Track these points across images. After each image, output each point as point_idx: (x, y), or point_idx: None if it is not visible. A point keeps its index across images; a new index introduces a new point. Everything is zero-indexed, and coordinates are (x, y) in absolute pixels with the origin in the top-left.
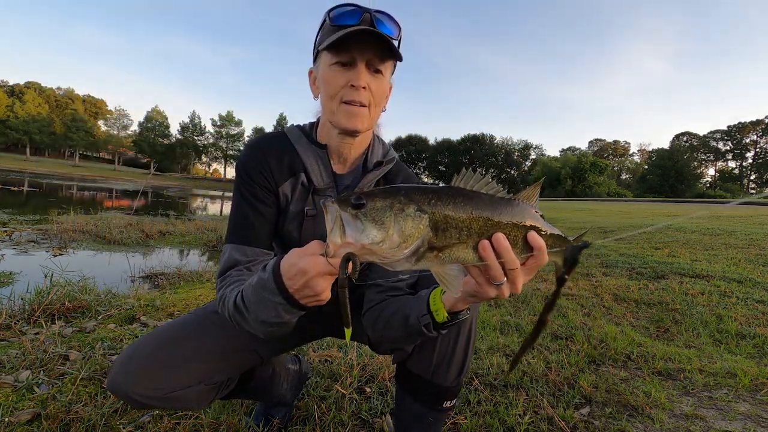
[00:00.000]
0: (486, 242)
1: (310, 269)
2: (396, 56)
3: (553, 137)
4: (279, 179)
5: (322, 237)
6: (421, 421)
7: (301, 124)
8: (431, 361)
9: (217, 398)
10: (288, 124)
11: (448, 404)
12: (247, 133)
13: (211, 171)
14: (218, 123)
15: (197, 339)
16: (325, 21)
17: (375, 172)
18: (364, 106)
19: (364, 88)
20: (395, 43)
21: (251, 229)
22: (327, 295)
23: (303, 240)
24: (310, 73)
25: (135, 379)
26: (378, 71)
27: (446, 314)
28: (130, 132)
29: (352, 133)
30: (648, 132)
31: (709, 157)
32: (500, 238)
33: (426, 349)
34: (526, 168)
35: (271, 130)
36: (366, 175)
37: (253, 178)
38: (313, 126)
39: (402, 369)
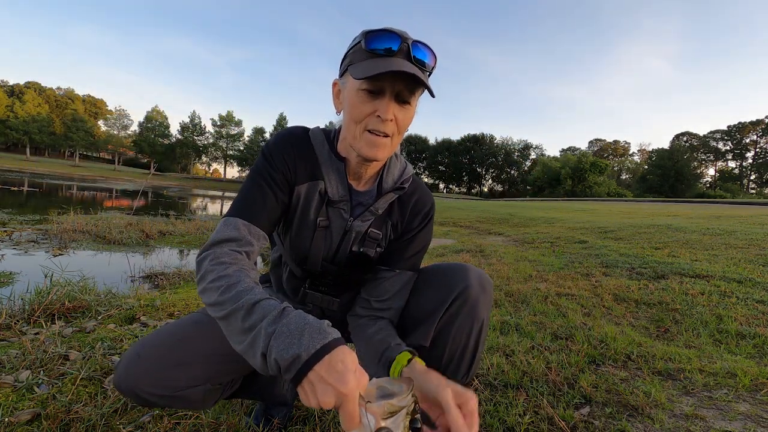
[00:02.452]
0: None
1: (347, 389)
2: (427, 90)
3: (553, 137)
4: (298, 178)
5: (329, 250)
6: None
7: (325, 127)
8: (443, 356)
9: (221, 398)
10: (289, 124)
11: None
12: (247, 133)
13: (211, 171)
14: (218, 123)
15: (206, 339)
16: (359, 42)
17: (391, 194)
18: (387, 136)
19: (391, 120)
20: (428, 74)
21: (261, 210)
22: (326, 406)
23: (313, 249)
24: (335, 85)
25: (144, 377)
26: (406, 102)
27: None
28: (130, 132)
29: (372, 161)
30: (648, 132)
31: (709, 157)
32: None
33: (438, 345)
34: (526, 168)
35: (291, 125)
36: (381, 196)
37: (277, 165)
38: (336, 136)
39: None
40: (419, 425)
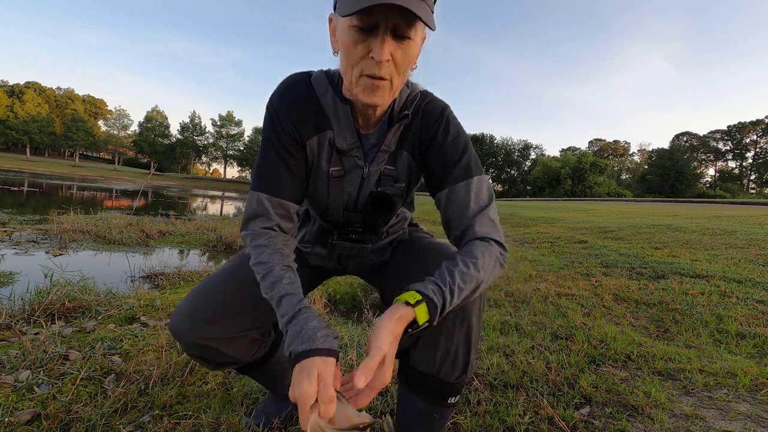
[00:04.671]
0: None
1: (298, 392)
2: (427, 22)
3: (553, 137)
4: (307, 133)
5: (348, 198)
6: (427, 418)
7: (329, 69)
8: (435, 358)
9: (258, 352)
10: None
11: (452, 400)
12: (247, 133)
13: (211, 171)
14: (218, 123)
15: (249, 285)
16: None
17: (396, 125)
18: (385, 80)
19: (387, 60)
20: (428, 5)
21: (280, 180)
22: (292, 399)
23: (331, 201)
24: (330, 20)
25: (200, 323)
26: (405, 37)
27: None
28: (130, 132)
29: (373, 107)
30: (648, 132)
31: (709, 157)
32: None
33: (429, 347)
34: (526, 168)
35: (293, 73)
36: (390, 129)
37: (284, 127)
38: (341, 76)
39: (405, 366)
40: None
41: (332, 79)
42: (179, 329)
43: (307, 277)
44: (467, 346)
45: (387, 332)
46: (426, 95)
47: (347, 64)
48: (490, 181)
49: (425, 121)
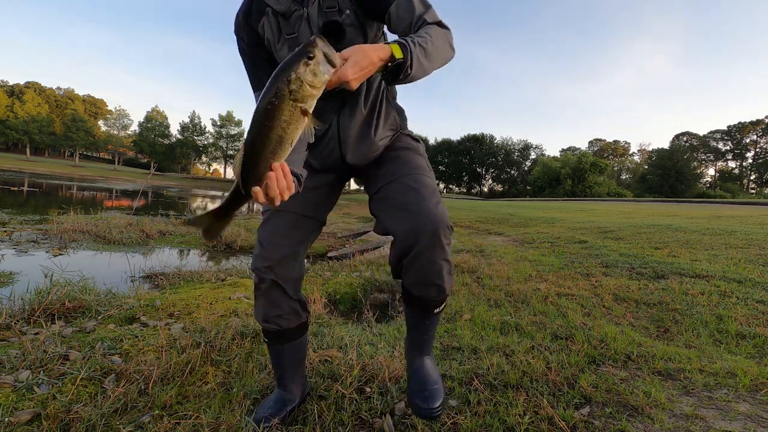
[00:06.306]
0: None
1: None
2: None
3: (553, 137)
4: (254, 23)
5: None
6: (420, 323)
7: None
8: (417, 281)
9: (301, 318)
10: None
11: (437, 310)
12: None
13: (211, 171)
14: (218, 123)
15: (291, 215)
16: None
17: None
18: None
19: None
20: None
21: (265, 74)
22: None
23: None
24: None
25: (273, 250)
26: None
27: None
28: (130, 132)
29: None
30: (648, 132)
31: (709, 157)
32: None
33: (411, 272)
34: (526, 168)
35: None
36: None
37: (240, 33)
38: None
39: (402, 289)
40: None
41: None
42: (259, 262)
43: (324, 193)
44: (447, 266)
45: (362, 46)
46: None
47: None
48: (490, 180)
49: None
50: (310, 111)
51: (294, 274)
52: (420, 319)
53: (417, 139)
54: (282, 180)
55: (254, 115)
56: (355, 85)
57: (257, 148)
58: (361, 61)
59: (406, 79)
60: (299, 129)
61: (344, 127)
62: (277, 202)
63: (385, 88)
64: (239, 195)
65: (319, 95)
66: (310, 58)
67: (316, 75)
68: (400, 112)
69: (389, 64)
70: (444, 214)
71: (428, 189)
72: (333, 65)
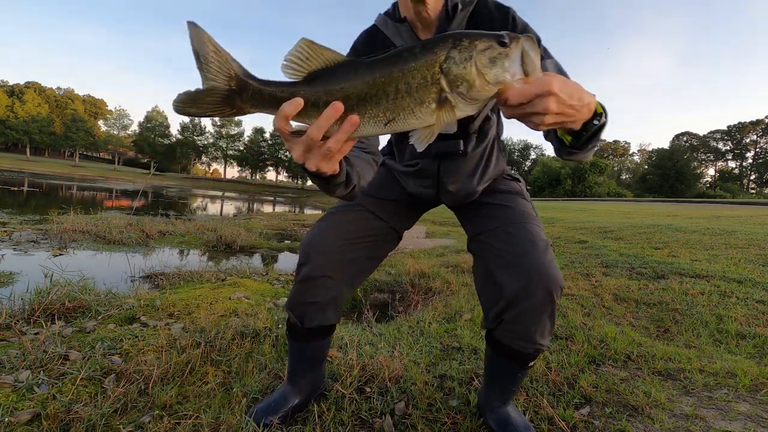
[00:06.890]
0: None
1: None
2: None
3: None
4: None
5: None
6: (512, 375)
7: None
8: (520, 337)
9: (338, 317)
10: None
11: (531, 363)
12: (247, 133)
13: (211, 171)
14: (218, 123)
15: (346, 216)
16: None
17: (461, 14)
18: None
19: None
20: None
21: None
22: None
23: None
24: None
25: (326, 237)
26: None
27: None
28: (130, 132)
29: (422, 4)
30: (648, 132)
31: (709, 157)
32: None
33: (513, 327)
34: (526, 168)
35: None
36: (452, 20)
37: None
38: (396, 5)
39: (491, 338)
40: None
41: (388, 12)
42: (308, 256)
43: (405, 207)
44: (550, 325)
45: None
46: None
47: None
48: None
49: (490, 14)
50: (450, 112)
51: (346, 275)
52: (513, 371)
53: (518, 179)
54: (336, 143)
55: (375, 59)
56: (550, 120)
57: (343, 93)
58: (573, 91)
59: (586, 149)
60: (411, 118)
61: (446, 173)
62: (298, 154)
63: (497, 135)
64: (260, 95)
65: (476, 102)
66: (502, 45)
67: (494, 66)
68: (505, 156)
69: (594, 120)
70: (559, 274)
71: (543, 243)
72: (525, 73)
